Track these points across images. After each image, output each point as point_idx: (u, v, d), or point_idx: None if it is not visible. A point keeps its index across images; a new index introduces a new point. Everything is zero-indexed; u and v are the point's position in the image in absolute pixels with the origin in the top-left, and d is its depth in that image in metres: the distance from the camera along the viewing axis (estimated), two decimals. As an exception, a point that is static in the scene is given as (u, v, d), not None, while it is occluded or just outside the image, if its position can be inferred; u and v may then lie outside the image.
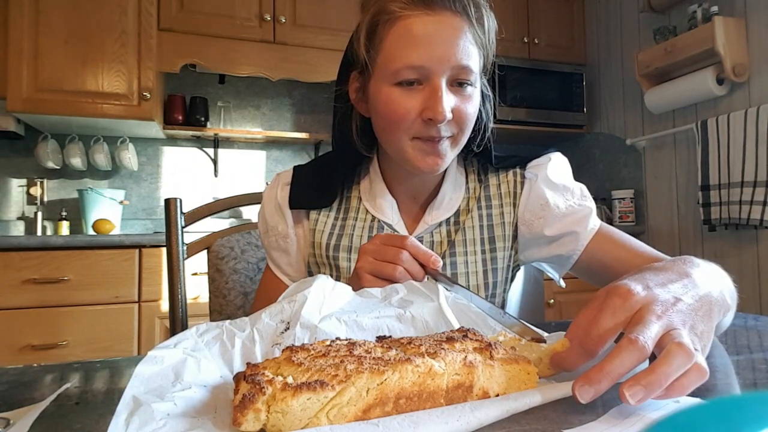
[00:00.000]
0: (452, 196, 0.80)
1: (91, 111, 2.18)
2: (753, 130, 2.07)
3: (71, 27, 2.16)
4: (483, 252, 0.78)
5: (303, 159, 2.86)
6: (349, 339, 0.42)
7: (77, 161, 2.38)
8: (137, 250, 1.99)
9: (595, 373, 0.35)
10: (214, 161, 2.74)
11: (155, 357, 0.39)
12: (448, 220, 0.79)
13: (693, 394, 0.36)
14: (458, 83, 0.68)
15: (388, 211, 0.79)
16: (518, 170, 0.81)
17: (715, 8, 2.23)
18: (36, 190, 2.39)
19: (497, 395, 0.39)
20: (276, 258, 0.84)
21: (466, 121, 0.70)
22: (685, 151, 2.47)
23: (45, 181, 2.43)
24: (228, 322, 0.47)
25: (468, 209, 0.80)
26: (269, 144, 2.83)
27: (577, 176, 0.80)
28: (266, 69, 2.45)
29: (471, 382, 0.38)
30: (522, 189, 0.80)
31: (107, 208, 2.35)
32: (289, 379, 0.34)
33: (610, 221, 2.76)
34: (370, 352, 0.38)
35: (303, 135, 2.67)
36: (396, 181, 0.80)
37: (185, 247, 0.99)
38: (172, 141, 2.68)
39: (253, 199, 1.05)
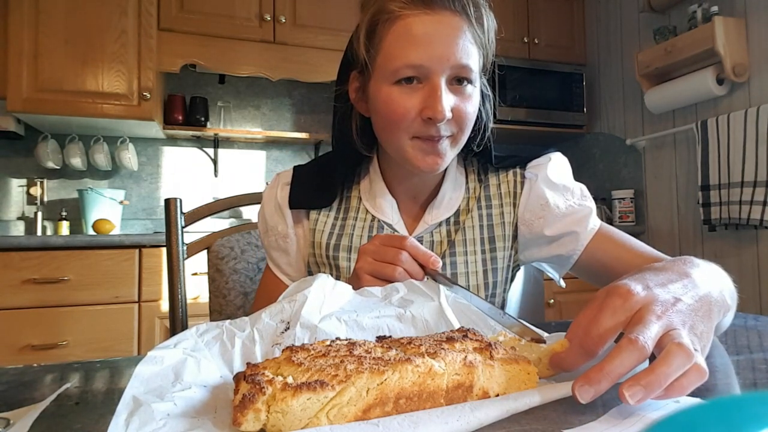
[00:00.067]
0: (452, 195, 0.80)
1: (91, 111, 2.18)
2: (753, 130, 2.07)
3: (71, 27, 2.16)
4: (483, 252, 0.78)
5: (303, 159, 2.86)
6: (349, 339, 0.42)
7: (77, 161, 2.38)
8: (137, 250, 1.99)
9: (595, 373, 0.35)
10: (214, 161, 2.74)
11: (155, 357, 0.39)
12: (448, 220, 0.79)
13: (693, 394, 0.36)
14: (458, 82, 0.68)
15: (388, 210, 0.79)
16: (518, 170, 0.81)
17: (715, 8, 2.23)
18: (36, 190, 2.39)
19: (497, 395, 0.39)
20: (276, 258, 0.84)
21: (465, 121, 0.70)
22: (685, 151, 2.47)
23: (45, 181, 2.43)
24: (228, 322, 0.47)
25: (468, 209, 0.80)
26: (269, 144, 2.83)
27: (577, 176, 0.80)
28: (266, 69, 2.45)
29: (471, 382, 0.38)
30: (522, 189, 0.80)
31: (107, 208, 2.35)
32: (289, 379, 0.34)
33: (610, 221, 2.76)
34: (370, 352, 0.38)
35: (303, 135, 2.67)
36: (396, 181, 0.80)
37: (185, 247, 0.99)
38: (172, 141, 2.68)
39: (253, 199, 1.05)
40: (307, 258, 0.83)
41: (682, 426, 0.21)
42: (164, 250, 1.60)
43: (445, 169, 0.80)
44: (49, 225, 2.42)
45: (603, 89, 2.98)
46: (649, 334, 0.37)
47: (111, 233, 2.25)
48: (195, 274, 2.02)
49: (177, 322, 0.95)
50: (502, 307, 0.81)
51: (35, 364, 0.53)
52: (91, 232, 2.28)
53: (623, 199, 2.73)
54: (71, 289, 1.91)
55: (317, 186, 0.81)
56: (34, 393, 0.44)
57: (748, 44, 2.19)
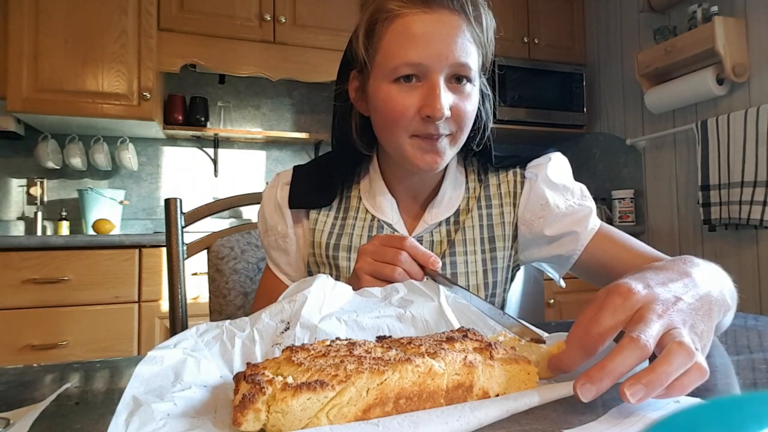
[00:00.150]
0: (452, 195, 0.80)
1: (91, 111, 2.18)
2: (753, 130, 2.07)
3: (71, 27, 2.16)
4: (483, 252, 0.78)
5: (303, 159, 2.86)
6: (349, 339, 0.42)
7: (77, 161, 2.38)
8: (137, 250, 1.99)
9: (596, 372, 0.35)
10: (214, 161, 2.74)
11: (155, 357, 0.39)
12: (447, 220, 0.79)
13: (693, 394, 0.36)
14: (456, 81, 0.69)
15: (388, 210, 0.79)
16: (518, 170, 0.81)
17: (715, 8, 2.23)
18: (36, 190, 2.39)
19: (497, 395, 0.39)
20: (275, 258, 0.84)
21: (464, 119, 0.70)
22: (685, 151, 2.47)
23: (45, 181, 2.43)
24: (228, 322, 0.47)
25: (468, 209, 0.80)
26: (269, 144, 2.83)
27: (577, 176, 0.80)
28: (266, 69, 2.45)
29: (471, 382, 0.38)
30: (522, 189, 0.80)
31: (107, 208, 2.35)
32: (289, 379, 0.34)
33: (610, 221, 2.76)
34: (370, 352, 0.38)
35: (303, 135, 2.67)
36: (396, 180, 0.80)
37: (185, 247, 0.99)
38: (172, 141, 2.68)
39: (253, 199, 1.05)
40: (307, 258, 0.83)
41: (682, 426, 0.21)
42: (164, 250, 1.60)
43: (445, 169, 0.80)
44: (49, 225, 2.42)
45: (603, 89, 2.98)
46: (650, 333, 0.37)
47: (111, 233, 2.25)
48: (195, 274, 2.02)
49: (177, 322, 0.95)
50: (502, 307, 0.81)
51: (35, 364, 0.53)
52: (91, 232, 2.28)
53: (623, 199, 2.73)
54: (71, 289, 1.91)
55: (317, 186, 0.81)
56: (34, 393, 0.44)
57: (748, 44, 2.19)
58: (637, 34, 2.73)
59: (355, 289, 0.54)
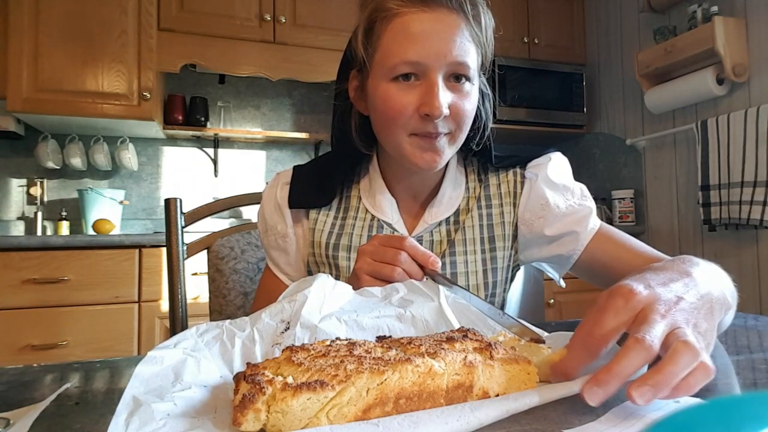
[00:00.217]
0: (452, 194, 0.80)
1: (91, 111, 2.18)
2: (753, 130, 2.07)
3: (71, 27, 2.15)
4: (483, 252, 0.78)
5: (303, 159, 2.86)
6: (349, 339, 0.42)
7: (77, 161, 2.38)
8: (137, 250, 1.99)
9: (603, 375, 0.35)
10: (214, 161, 2.74)
11: (155, 357, 0.39)
12: (447, 220, 0.79)
13: (693, 394, 0.36)
14: (455, 80, 0.69)
15: (388, 209, 0.79)
16: (518, 170, 0.81)
17: (715, 8, 2.23)
18: (36, 190, 2.39)
19: (497, 395, 0.39)
20: (275, 257, 0.84)
21: (463, 118, 0.70)
22: (685, 151, 2.47)
23: (45, 181, 2.43)
24: (228, 322, 0.47)
25: (468, 209, 0.80)
26: (269, 144, 2.83)
27: (577, 176, 0.80)
28: (266, 69, 2.45)
29: (471, 382, 0.38)
30: (522, 189, 0.80)
31: (107, 208, 2.35)
32: (289, 379, 0.34)
33: (610, 221, 2.76)
34: (370, 352, 0.38)
35: (303, 135, 2.67)
36: (395, 180, 0.80)
37: (185, 247, 0.99)
38: (172, 141, 2.68)
39: (253, 199, 1.05)
40: (307, 258, 0.83)
41: (682, 426, 0.21)
42: (164, 250, 1.60)
43: (445, 168, 0.80)
44: (49, 225, 2.42)
45: (603, 89, 2.98)
46: (655, 333, 0.37)
47: (111, 233, 2.25)
48: (195, 274, 2.02)
49: (177, 322, 0.95)
50: (502, 307, 0.81)
51: (35, 364, 0.53)
52: (91, 232, 2.28)
53: (623, 199, 2.73)
54: (71, 289, 1.91)
55: (317, 185, 0.81)
56: (34, 393, 0.44)
57: (748, 44, 2.19)
58: (637, 34, 2.73)
59: (354, 289, 0.54)
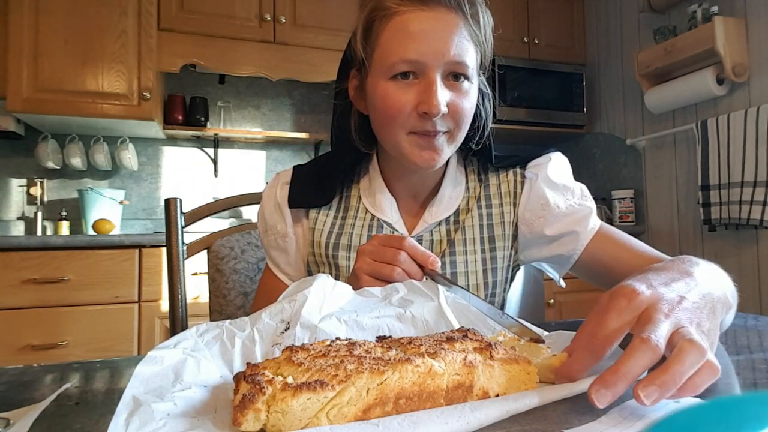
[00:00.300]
0: (452, 194, 0.80)
1: (91, 111, 2.18)
2: (753, 130, 2.07)
3: (71, 27, 2.16)
4: (483, 251, 0.78)
5: (303, 159, 2.86)
6: (349, 339, 0.42)
7: (77, 161, 2.38)
8: (137, 250, 1.99)
9: (610, 376, 0.35)
10: (214, 161, 2.74)
11: (155, 357, 0.39)
12: (447, 219, 0.79)
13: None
14: (454, 78, 0.69)
15: (388, 209, 0.79)
16: (518, 170, 0.81)
17: (715, 8, 2.23)
18: (36, 190, 2.39)
19: (497, 395, 0.39)
20: (275, 257, 0.84)
21: (462, 116, 0.70)
22: (685, 151, 2.47)
23: (45, 181, 2.43)
24: (228, 322, 0.47)
25: (468, 208, 0.80)
26: (269, 144, 2.83)
27: (577, 176, 0.80)
28: (266, 69, 2.45)
29: (471, 382, 0.38)
30: (522, 188, 0.80)
31: (107, 208, 2.35)
32: (289, 379, 0.34)
33: (610, 221, 2.76)
34: (370, 352, 0.38)
35: (303, 135, 2.67)
36: (395, 179, 0.80)
37: (185, 247, 0.99)
38: (172, 141, 2.68)
39: (253, 199, 1.05)
40: (307, 257, 0.83)
41: (682, 426, 0.21)
42: (164, 250, 1.60)
43: (445, 168, 0.80)
44: (49, 225, 2.42)
45: (603, 89, 2.98)
46: (660, 333, 0.36)
47: (111, 233, 2.25)
48: (195, 274, 2.02)
49: (177, 322, 0.95)
50: (502, 307, 0.81)
51: (35, 364, 0.53)
52: (91, 232, 2.28)
53: (623, 199, 2.73)
54: (71, 289, 1.91)
55: (317, 185, 0.81)
56: (34, 393, 0.44)
57: (748, 44, 2.19)
58: (637, 34, 2.73)
59: (354, 289, 0.54)
